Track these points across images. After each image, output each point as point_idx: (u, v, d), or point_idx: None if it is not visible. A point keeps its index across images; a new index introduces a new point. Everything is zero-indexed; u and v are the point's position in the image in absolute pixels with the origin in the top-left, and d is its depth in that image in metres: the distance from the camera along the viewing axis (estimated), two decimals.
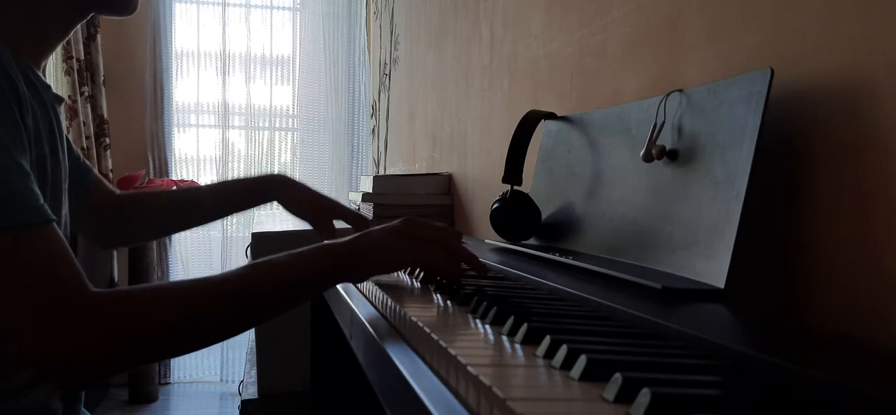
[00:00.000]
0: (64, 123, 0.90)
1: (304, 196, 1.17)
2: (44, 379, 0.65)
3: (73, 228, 0.95)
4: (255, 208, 1.31)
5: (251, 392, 1.90)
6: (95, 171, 1.12)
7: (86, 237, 1.15)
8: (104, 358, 0.63)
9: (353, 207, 2.27)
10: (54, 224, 0.67)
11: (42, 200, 0.67)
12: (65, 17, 0.86)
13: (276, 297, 0.71)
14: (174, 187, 3.30)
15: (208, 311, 0.68)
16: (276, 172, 1.16)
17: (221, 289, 0.69)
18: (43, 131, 0.77)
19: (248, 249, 1.87)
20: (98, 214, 1.11)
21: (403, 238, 0.75)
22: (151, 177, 3.47)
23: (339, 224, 1.19)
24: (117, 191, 1.15)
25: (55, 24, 0.85)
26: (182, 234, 3.63)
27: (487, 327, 0.58)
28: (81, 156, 1.08)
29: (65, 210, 0.86)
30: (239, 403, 1.93)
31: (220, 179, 1.20)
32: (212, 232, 3.61)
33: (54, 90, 0.85)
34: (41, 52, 0.85)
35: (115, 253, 3.41)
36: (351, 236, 0.74)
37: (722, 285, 0.67)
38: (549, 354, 0.47)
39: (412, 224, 0.76)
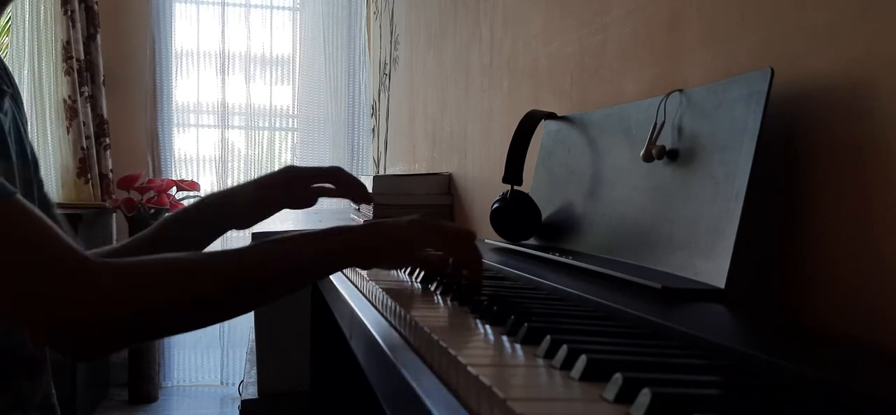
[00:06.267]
0: (13, 113, 0.80)
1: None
2: (45, 343, 0.62)
3: None
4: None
5: (251, 392, 1.90)
6: (56, 209, 0.91)
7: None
8: (103, 327, 0.60)
9: (353, 207, 2.27)
10: (19, 196, 0.61)
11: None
12: None
13: (284, 278, 0.69)
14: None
15: (213, 288, 0.65)
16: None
17: (229, 267, 0.66)
18: None
19: None
20: None
21: (417, 231, 0.74)
22: (151, 177, 3.47)
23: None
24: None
25: None
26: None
27: (487, 326, 0.58)
28: (44, 185, 0.90)
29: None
30: (239, 404, 1.93)
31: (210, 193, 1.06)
32: None
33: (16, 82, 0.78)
34: None
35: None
36: (365, 223, 0.74)
37: (722, 285, 0.67)
38: (550, 354, 0.47)
39: (425, 222, 0.75)
